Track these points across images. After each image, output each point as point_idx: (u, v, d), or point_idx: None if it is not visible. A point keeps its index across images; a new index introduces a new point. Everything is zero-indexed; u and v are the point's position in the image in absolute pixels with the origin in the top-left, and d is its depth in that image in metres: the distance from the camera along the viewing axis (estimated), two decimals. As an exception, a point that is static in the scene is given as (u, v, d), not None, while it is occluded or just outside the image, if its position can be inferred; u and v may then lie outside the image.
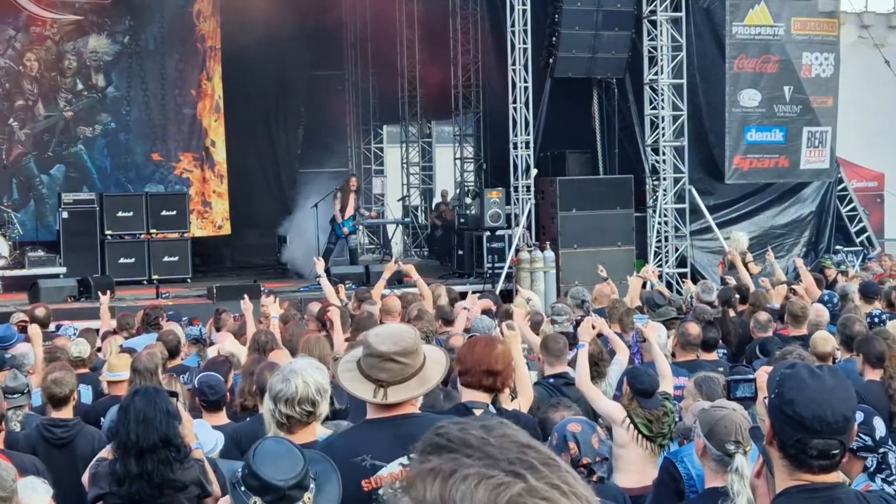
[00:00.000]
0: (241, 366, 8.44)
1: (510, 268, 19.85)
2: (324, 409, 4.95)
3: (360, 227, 27.37)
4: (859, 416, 5.13)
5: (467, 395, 5.50)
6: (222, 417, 7.18)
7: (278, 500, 3.81)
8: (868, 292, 12.43)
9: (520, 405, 6.10)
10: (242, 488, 3.84)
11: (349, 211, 21.04)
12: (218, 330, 11.78)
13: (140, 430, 5.33)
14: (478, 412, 5.33)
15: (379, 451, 4.24)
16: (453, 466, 1.55)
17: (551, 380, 7.74)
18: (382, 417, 4.38)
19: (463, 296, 13.69)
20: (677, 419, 7.34)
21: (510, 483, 1.52)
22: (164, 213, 21.69)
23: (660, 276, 18.64)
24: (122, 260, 21.08)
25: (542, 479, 1.54)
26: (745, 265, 15.79)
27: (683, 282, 18.76)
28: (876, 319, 10.33)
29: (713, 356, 9.40)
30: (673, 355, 9.27)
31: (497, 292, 17.74)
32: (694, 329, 9.09)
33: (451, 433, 1.60)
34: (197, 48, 24.20)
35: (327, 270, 20.21)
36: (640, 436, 6.82)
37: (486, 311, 11.39)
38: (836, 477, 3.28)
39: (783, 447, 3.22)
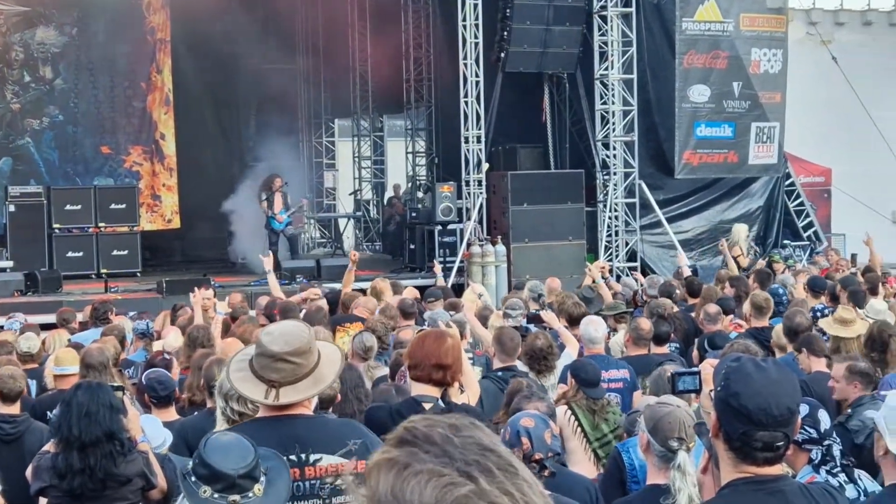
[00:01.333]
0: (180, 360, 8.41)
1: (461, 262, 19.88)
2: None
3: (310, 220, 27.30)
4: (804, 409, 5.20)
5: (417, 389, 5.51)
6: (172, 413, 7.13)
7: (228, 488, 3.80)
8: (815, 287, 12.58)
9: (468, 399, 6.12)
10: (192, 478, 3.82)
11: (278, 206, 20.90)
12: (181, 328, 11.72)
13: (83, 425, 5.29)
14: (427, 406, 5.34)
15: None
16: (409, 460, 1.54)
17: (499, 373, 7.77)
18: (270, 417, 4.31)
19: (421, 291, 13.69)
20: (620, 411, 7.41)
21: (460, 483, 1.51)
22: (112, 206, 21.50)
23: (610, 271, 18.81)
24: (70, 254, 20.88)
25: (495, 484, 1.52)
26: (736, 258, 16.12)
27: (632, 274, 18.92)
28: (818, 314, 10.44)
29: (665, 350, 9.46)
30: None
31: (448, 286, 17.78)
32: (646, 324, 9.15)
33: (417, 428, 1.60)
34: (147, 40, 24.02)
35: (277, 265, 20.17)
36: (579, 428, 6.88)
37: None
38: (780, 469, 3.33)
39: (729, 439, 3.27)
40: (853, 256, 18.20)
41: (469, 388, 6.32)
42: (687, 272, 14.85)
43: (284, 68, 27.08)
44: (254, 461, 3.85)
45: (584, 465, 6.64)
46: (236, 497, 3.80)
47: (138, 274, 21.29)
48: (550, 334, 8.81)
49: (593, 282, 13.51)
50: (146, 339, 10.44)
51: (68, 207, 21.09)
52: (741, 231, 19.13)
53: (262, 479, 3.88)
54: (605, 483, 5.63)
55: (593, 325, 8.82)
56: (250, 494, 3.82)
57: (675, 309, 11.73)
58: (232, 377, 4.37)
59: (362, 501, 1.56)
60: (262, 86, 26.16)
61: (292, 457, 4.18)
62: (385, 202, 28.08)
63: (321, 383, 4.34)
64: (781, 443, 3.25)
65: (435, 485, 1.51)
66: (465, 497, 1.50)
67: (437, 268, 16.33)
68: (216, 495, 3.79)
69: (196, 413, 6.97)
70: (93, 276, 20.72)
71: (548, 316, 9.75)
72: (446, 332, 5.99)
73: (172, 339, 9.63)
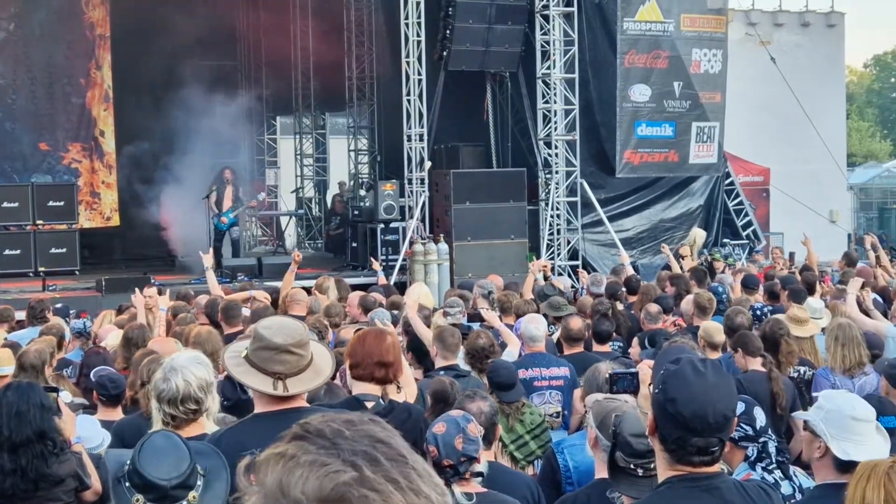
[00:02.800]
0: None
1: (404, 260, 19.88)
2: (210, 403, 4.91)
3: (252, 218, 27.17)
4: (741, 407, 5.26)
5: (358, 387, 5.50)
6: (119, 413, 7.07)
7: (160, 499, 3.76)
8: (748, 284, 12.73)
9: (406, 397, 6.13)
10: (126, 484, 3.78)
11: (227, 203, 20.78)
12: (120, 326, 11.61)
13: (13, 425, 5.22)
14: (369, 405, 5.34)
15: (266, 445, 4.20)
16: (296, 452, 1.56)
17: (441, 372, 7.76)
18: (272, 411, 4.38)
19: (354, 288, 13.70)
20: (544, 412, 7.43)
21: (342, 471, 1.52)
22: (51, 203, 21.24)
23: (552, 269, 18.90)
24: (7, 251, 20.59)
25: (380, 472, 1.53)
26: (682, 258, 16.38)
27: (576, 272, 19.03)
28: (757, 312, 10.58)
29: (606, 348, 9.50)
30: (560, 348, 9.37)
31: (391, 284, 17.77)
32: (576, 323, 9.15)
33: (311, 424, 1.61)
34: (86, 36, 23.76)
35: (219, 263, 20.06)
36: None
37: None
38: (716, 468, 3.36)
39: (664, 441, 3.30)
40: (791, 255, 18.43)
41: (406, 387, 6.34)
42: (630, 271, 14.97)
43: (226, 65, 26.94)
44: (189, 469, 3.80)
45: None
46: None
47: (77, 272, 21.07)
48: (492, 333, 8.82)
49: (551, 277, 13.58)
50: (83, 339, 10.33)
51: (5, 205, 20.80)
52: (698, 235, 19.37)
53: (199, 482, 3.84)
54: (540, 482, 5.67)
55: (534, 323, 8.81)
56: (184, 503, 3.78)
57: (620, 307, 11.83)
58: (234, 371, 4.43)
59: (256, 500, 1.56)
60: (203, 83, 25.96)
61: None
62: (329, 200, 28.02)
63: (322, 374, 4.45)
64: (716, 448, 3.29)
65: (318, 474, 1.52)
66: (345, 484, 1.51)
67: (377, 265, 16.24)
68: None
69: (135, 412, 6.91)
70: (30, 274, 20.45)
71: (489, 315, 9.75)
72: (386, 329, 6.00)
73: (112, 339, 9.54)
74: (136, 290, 11.44)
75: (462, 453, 4.58)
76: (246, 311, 10.76)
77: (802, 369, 8.62)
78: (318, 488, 1.51)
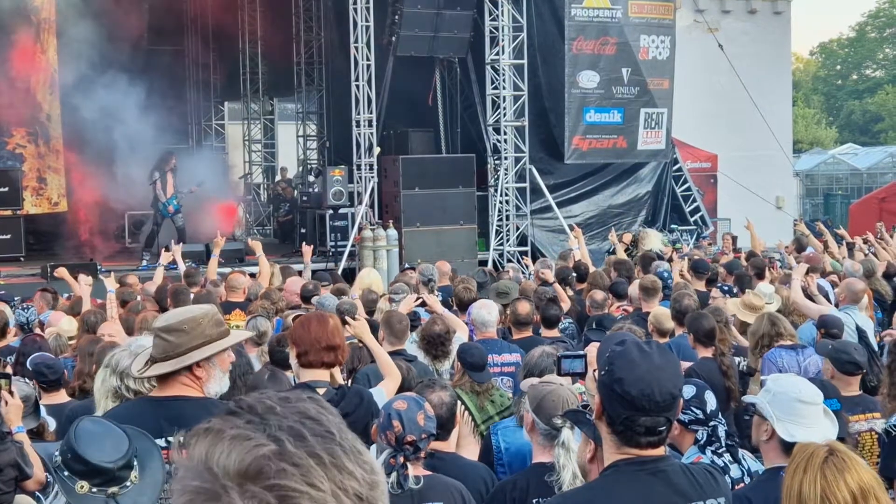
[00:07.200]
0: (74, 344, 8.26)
1: (353, 246, 19.83)
2: None
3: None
4: (692, 390, 5.29)
5: (307, 374, 5.47)
6: (62, 396, 7.03)
7: (107, 482, 3.71)
8: (699, 269, 12.77)
9: (387, 385, 6.19)
10: (66, 473, 3.71)
11: (170, 190, 20.63)
12: (69, 312, 11.50)
13: None
14: (321, 391, 5.32)
15: (141, 427, 4.23)
16: (222, 426, 1.54)
17: (391, 357, 7.76)
18: (158, 396, 4.52)
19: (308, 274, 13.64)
20: (510, 395, 7.46)
21: (263, 445, 1.50)
22: (-5, 190, 21.01)
23: (500, 255, 18.94)
24: (-50, 238, 20.35)
25: (303, 447, 1.51)
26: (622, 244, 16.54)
27: (522, 260, 19.07)
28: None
29: (555, 332, 9.52)
30: (510, 332, 9.39)
31: (340, 271, 17.75)
32: (524, 308, 9.16)
33: (246, 400, 1.59)
34: (30, 20, 23.44)
35: (149, 244, 19.89)
36: (466, 411, 6.92)
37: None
38: (662, 451, 3.38)
39: (612, 423, 3.31)
40: (734, 239, 18.53)
41: (391, 377, 6.37)
42: (579, 256, 15.03)
43: (173, 50, 26.69)
44: (130, 448, 3.77)
45: (472, 447, 6.66)
46: (115, 489, 3.72)
47: (22, 259, 20.85)
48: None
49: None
50: (25, 331, 10.19)
51: (-52, 191, 20.54)
52: (653, 237, 19.31)
53: (135, 463, 3.80)
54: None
55: (486, 309, 8.78)
56: (128, 483, 3.74)
57: (570, 292, 11.87)
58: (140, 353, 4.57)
59: (182, 474, 1.53)
60: (151, 67, 25.73)
61: (171, 438, 4.26)
62: (272, 185, 27.89)
63: (183, 363, 4.44)
64: (664, 427, 3.30)
65: (242, 447, 1.50)
66: (264, 457, 1.49)
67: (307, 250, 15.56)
68: (94, 490, 3.70)
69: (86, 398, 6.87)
70: (-27, 261, 20.22)
71: (431, 300, 9.74)
72: (325, 313, 5.97)
73: (66, 324, 9.47)
74: (81, 275, 11.40)
75: (423, 429, 4.61)
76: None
77: (738, 360, 8.65)
78: (237, 462, 1.49)
